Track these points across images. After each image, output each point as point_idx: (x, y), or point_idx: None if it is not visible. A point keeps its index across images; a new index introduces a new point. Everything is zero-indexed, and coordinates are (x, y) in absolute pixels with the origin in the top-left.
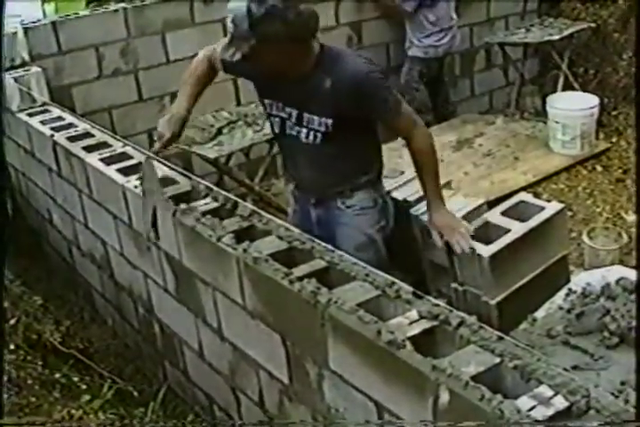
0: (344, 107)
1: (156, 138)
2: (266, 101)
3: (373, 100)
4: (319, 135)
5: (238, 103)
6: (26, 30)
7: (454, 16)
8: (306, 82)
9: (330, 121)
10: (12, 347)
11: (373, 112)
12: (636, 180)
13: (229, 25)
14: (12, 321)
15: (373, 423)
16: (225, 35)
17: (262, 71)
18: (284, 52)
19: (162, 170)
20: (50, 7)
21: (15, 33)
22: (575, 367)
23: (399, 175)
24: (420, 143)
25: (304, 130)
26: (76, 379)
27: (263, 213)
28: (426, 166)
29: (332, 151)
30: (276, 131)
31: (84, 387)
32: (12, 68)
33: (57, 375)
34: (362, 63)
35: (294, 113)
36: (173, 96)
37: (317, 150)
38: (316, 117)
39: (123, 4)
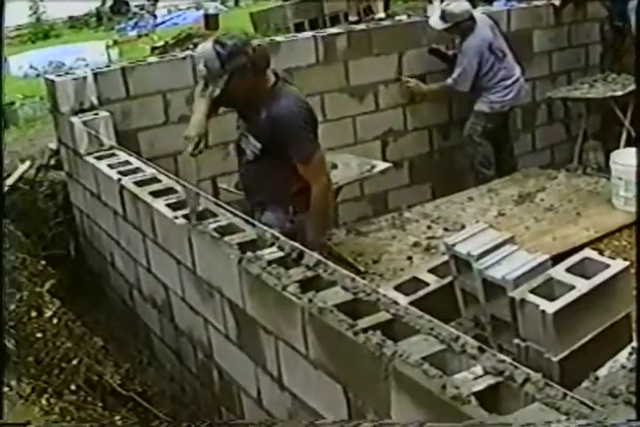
0: (267, 139)
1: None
2: (238, 118)
3: (287, 143)
4: (252, 155)
5: None
6: (95, 75)
7: (518, 71)
8: (256, 109)
9: (259, 146)
10: (72, 387)
11: (287, 152)
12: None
13: (201, 69)
14: (75, 362)
15: (372, 423)
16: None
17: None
18: (248, 82)
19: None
20: (114, 51)
21: (85, 77)
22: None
23: (460, 229)
24: (314, 194)
25: (246, 147)
26: (134, 421)
27: (329, 262)
28: (313, 210)
29: (258, 170)
30: (237, 142)
31: None
32: (82, 111)
33: (116, 417)
34: (290, 107)
35: (245, 132)
36: None
37: (251, 166)
38: (252, 140)
39: (190, 52)
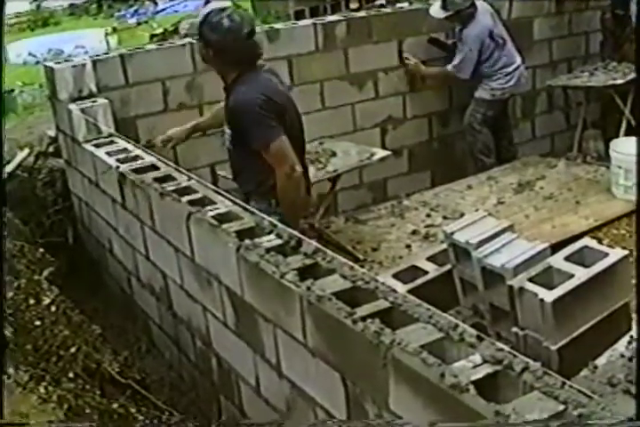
0: (232, 127)
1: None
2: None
3: (243, 130)
4: (229, 143)
5: None
6: (94, 62)
7: (518, 59)
8: (226, 97)
9: (229, 132)
10: (71, 375)
11: (246, 139)
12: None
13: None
14: (73, 349)
15: (372, 423)
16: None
17: None
18: (210, 57)
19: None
20: (113, 39)
21: (84, 65)
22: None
23: (460, 217)
24: (279, 182)
25: (225, 137)
26: (133, 410)
27: (327, 250)
28: (279, 198)
29: (235, 158)
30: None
31: (140, 418)
32: (80, 98)
33: (115, 405)
34: (246, 94)
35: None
36: None
37: (230, 154)
38: (226, 128)
39: (189, 40)
